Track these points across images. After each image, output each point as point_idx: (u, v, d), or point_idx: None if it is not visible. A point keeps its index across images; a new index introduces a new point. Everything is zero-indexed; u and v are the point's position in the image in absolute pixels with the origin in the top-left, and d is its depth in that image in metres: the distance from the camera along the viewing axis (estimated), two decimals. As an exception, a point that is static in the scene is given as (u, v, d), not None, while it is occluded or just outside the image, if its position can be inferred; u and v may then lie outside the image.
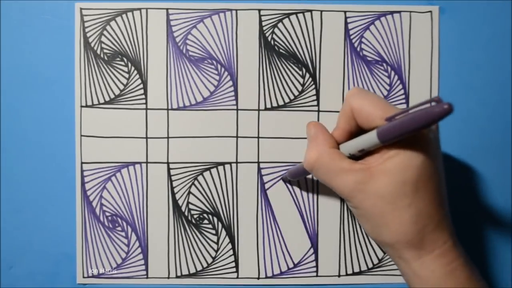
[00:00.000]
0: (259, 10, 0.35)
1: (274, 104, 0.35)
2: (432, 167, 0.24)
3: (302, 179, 0.35)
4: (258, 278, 0.35)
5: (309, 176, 0.35)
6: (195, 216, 0.35)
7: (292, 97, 0.35)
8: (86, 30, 0.35)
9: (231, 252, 0.35)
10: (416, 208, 0.24)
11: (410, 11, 0.35)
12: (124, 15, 0.35)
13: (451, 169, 0.35)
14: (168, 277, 0.35)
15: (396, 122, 0.23)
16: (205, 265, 0.35)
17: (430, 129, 0.24)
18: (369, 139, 0.24)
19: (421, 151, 0.24)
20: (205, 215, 0.35)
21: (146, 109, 0.35)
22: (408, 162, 0.23)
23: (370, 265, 0.35)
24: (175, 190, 0.35)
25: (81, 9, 0.35)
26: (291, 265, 0.35)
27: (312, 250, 0.35)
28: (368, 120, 0.25)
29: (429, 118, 0.21)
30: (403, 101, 0.35)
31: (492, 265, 0.36)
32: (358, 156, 0.26)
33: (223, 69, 0.35)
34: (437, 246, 0.24)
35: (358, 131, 0.27)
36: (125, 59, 0.35)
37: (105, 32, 0.35)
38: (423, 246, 0.24)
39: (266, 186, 0.35)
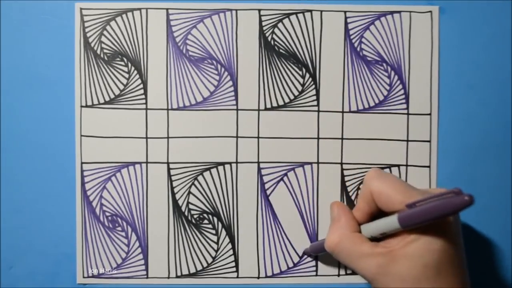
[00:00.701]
0: (259, 10, 0.35)
1: (274, 104, 0.35)
2: (453, 250, 0.25)
3: (301, 178, 0.35)
4: (258, 277, 0.35)
5: (309, 177, 0.35)
6: (195, 216, 0.35)
7: (292, 97, 0.35)
8: (86, 30, 0.35)
9: (231, 252, 0.35)
10: None
11: (410, 11, 0.35)
12: (124, 15, 0.35)
13: (451, 169, 0.35)
14: (168, 277, 0.35)
15: (416, 210, 0.24)
16: (205, 265, 0.35)
17: None
18: (390, 223, 0.25)
19: (441, 235, 0.24)
20: (205, 215, 0.35)
21: (146, 109, 0.35)
22: (429, 246, 0.24)
23: (370, 265, 0.35)
24: (175, 190, 0.35)
25: (81, 9, 0.35)
26: (291, 265, 0.35)
27: (312, 250, 0.35)
28: (388, 204, 0.26)
29: (449, 209, 0.22)
30: (403, 101, 0.35)
31: (492, 265, 0.36)
32: (380, 238, 0.27)
33: (223, 69, 0.35)
34: None
35: (379, 211, 0.28)
36: (125, 59, 0.35)
37: (105, 32, 0.35)
38: None
39: (266, 186, 0.35)
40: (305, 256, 0.35)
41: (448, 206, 0.22)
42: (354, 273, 0.35)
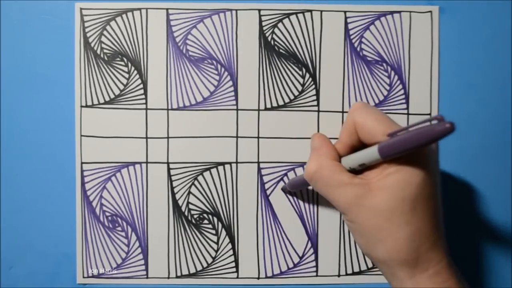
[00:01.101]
0: (259, 10, 0.35)
1: (274, 104, 0.35)
2: (431, 185, 0.24)
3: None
4: (258, 278, 0.35)
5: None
6: (195, 216, 0.35)
7: (292, 97, 0.35)
8: (86, 30, 0.35)
9: (231, 252, 0.35)
10: (413, 226, 0.24)
11: (410, 11, 0.35)
12: (124, 15, 0.35)
13: (451, 169, 0.35)
14: (168, 277, 0.35)
15: (397, 138, 0.23)
16: (205, 265, 0.35)
17: (430, 148, 0.24)
18: (370, 154, 0.25)
19: (421, 169, 0.24)
20: (205, 215, 0.35)
21: (146, 109, 0.35)
22: (408, 179, 0.24)
23: (370, 265, 0.35)
24: (175, 190, 0.35)
25: (81, 9, 0.35)
26: (291, 265, 0.35)
27: (312, 250, 0.35)
28: (370, 135, 0.25)
29: (430, 136, 0.21)
30: (403, 101, 0.35)
31: (492, 265, 0.36)
32: (359, 170, 0.26)
33: (223, 69, 0.35)
34: (432, 265, 0.24)
35: (360, 145, 0.27)
36: (125, 59, 0.35)
37: (105, 32, 0.35)
38: (417, 265, 0.24)
39: (266, 186, 0.35)
40: (306, 256, 0.35)
41: (430, 133, 0.21)
42: (354, 273, 0.35)
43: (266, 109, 0.35)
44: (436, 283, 0.24)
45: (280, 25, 0.35)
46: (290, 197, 0.35)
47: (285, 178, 0.35)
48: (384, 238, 0.24)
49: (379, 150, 0.24)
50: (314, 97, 0.35)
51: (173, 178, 0.35)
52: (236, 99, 0.35)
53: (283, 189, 0.35)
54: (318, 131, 0.35)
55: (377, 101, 0.35)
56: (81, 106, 0.35)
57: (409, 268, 0.24)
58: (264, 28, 0.35)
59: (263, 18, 0.35)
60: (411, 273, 0.24)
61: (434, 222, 0.24)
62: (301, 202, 0.35)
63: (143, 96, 0.35)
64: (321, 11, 0.35)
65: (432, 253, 0.24)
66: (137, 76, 0.35)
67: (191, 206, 0.35)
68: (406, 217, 0.24)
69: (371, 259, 0.26)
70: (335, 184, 0.25)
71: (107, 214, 0.35)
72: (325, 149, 0.27)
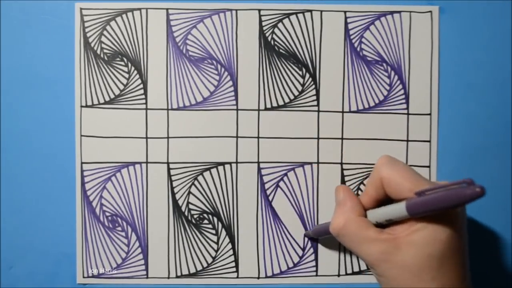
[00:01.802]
0: (259, 10, 0.35)
1: (274, 104, 0.35)
2: (458, 242, 0.24)
3: (301, 178, 0.35)
4: (258, 277, 0.35)
5: (309, 177, 0.35)
6: (195, 216, 0.35)
7: (292, 97, 0.35)
8: (86, 30, 0.35)
9: (231, 252, 0.35)
10: (440, 282, 0.24)
11: (410, 11, 0.35)
12: (124, 15, 0.35)
13: (451, 169, 0.35)
14: (168, 277, 0.35)
15: (425, 198, 0.23)
16: (205, 265, 0.35)
17: None
18: (398, 210, 0.25)
19: (448, 226, 0.24)
20: (205, 215, 0.35)
21: (146, 109, 0.35)
22: (435, 236, 0.24)
23: (370, 265, 0.35)
24: (175, 190, 0.35)
25: (81, 9, 0.35)
26: (291, 265, 0.35)
27: (312, 250, 0.35)
28: (397, 191, 0.26)
29: (460, 200, 0.22)
30: (403, 101, 0.35)
31: (492, 264, 0.36)
32: (385, 224, 0.27)
33: (223, 69, 0.35)
34: None
35: (386, 199, 0.27)
36: (125, 59, 0.35)
37: (105, 32, 0.35)
38: None
39: (266, 186, 0.35)
40: (305, 256, 0.35)
41: (459, 196, 0.22)
42: (354, 273, 0.35)
43: (266, 109, 0.35)
44: None
45: (280, 25, 0.35)
46: (290, 197, 0.35)
47: (281, 182, 0.35)
48: None
49: (407, 208, 0.24)
50: (314, 97, 0.35)
51: (173, 178, 0.35)
52: (236, 99, 0.35)
53: (305, 235, 0.35)
54: (318, 131, 0.35)
55: (377, 101, 0.35)
56: (81, 106, 0.35)
57: None
58: (264, 28, 0.35)
59: (263, 18, 0.35)
60: None
61: (460, 278, 0.25)
62: (301, 202, 0.35)
63: (143, 96, 0.35)
64: (321, 11, 0.35)
65: None
66: (137, 76, 0.35)
67: (191, 206, 0.35)
68: (433, 273, 0.24)
69: None
70: (362, 240, 0.26)
71: (107, 214, 0.35)
72: (350, 203, 0.28)
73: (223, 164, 0.35)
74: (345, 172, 0.35)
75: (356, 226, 0.26)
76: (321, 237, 0.34)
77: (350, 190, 0.29)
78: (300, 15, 0.35)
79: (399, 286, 0.25)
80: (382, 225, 0.27)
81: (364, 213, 0.28)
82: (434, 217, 0.24)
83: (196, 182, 0.35)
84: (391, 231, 0.26)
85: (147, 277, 0.35)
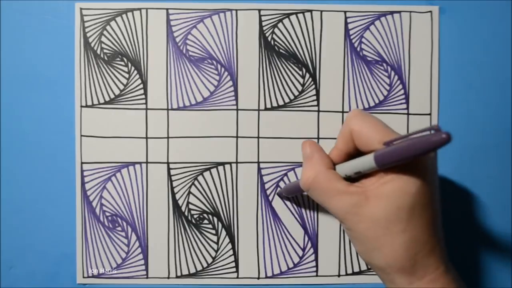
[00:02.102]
0: (259, 10, 0.35)
1: (274, 104, 0.35)
2: (428, 194, 0.24)
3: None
4: (258, 278, 0.35)
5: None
6: (195, 216, 0.35)
7: (292, 97, 0.35)
8: (86, 30, 0.35)
9: (231, 252, 0.35)
10: (409, 234, 0.24)
11: (410, 11, 0.35)
12: (124, 15, 0.35)
13: (451, 169, 0.35)
14: (168, 277, 0.35)
15: (393, 148, 0.23)
16: (205, 265, 0.35)
17: (429, 156, 0.24)
18: (366, 162, 0.25)
19: (418, 178, 0.24)
20: (205, 215, 0.35)
21: (146, 109, 0.35)
22: (404, 188, 0.24)
23: (370, 265, 0.35)
24: (175, 190, 0.35)
25: (81, 9, 0.35)
26: (291, 265, 0.35)
27: (312, 250, 0.35)
28: (367, 143, 0.25)
29: (426, 146, 0.21)
30: (403, 101, 0.35)
31: (492, 264, 0.36)
32: (354, 177, 0.26)
33: (223, 69, 0.35)
34: (429, 272, 0.24)
35: (356, 153, 0.27)
36: (125, 59, 0.35)
37: (105, 32, 0.35)
38: (415, 272, 0.24)
39: (266, 186, 0.35)
40: (306, 257, 0.35)
41: (425, 143, 0.21)
42: (354, 273, 0.35)
43: (266, 109, 0.35)
44: None
45: (280, 25, 0.35)
46: (290, 197, 0.35)
47: (281, 183, 0.35)
48: (382, 246, 0.24)
49: (375, 159, 0.24)
50: (314, 97, 0.35)
51: (173, 178, 0.35)
52: (236, 99, 0.35)
53: (278, 194, 0.35)
54: (318, 131, 0.35)
55: (377, 101, 0.35)
56: (81, 106, 0.35)
57: (406, 275, 0.24)
58: (264, 28, 0.35)
59: (263, 18, 0.35)
60: (409, 280, 0.24)
61: (431, 230, 0.24)
62: (301, 202, 0.35)
63: (143, 96, 0.35)
64: (321, 11, 0.35)
65: (429, 260, 0.24)
66: (137, 76, 0.35)
67: (191, 206, 0.35)
68: (403, 225, 0.24)
69: (370, 266, 0.26)
70: (331, 193, 0.25)
71: (107, 214, 0.35)
72: (318, 156, 0.27)
73: (223, 164, 0.35)
74: (345, 172, 0.35)
75: (325, 179, 0.26)
76: (292, 195, 0.34)
77: (317, 144, 0.28)
78: (300, 15, 0.35)
79: (369, 239, 0.24)
80: (352, 180, 0.26)
81: (333, 165, 0.27)
82: (403, 169, 0.24)
83: (196, 182, 0.35)
84: (361, 184, 0.25)
85: (147, 277, 0.35)
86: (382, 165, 0.24)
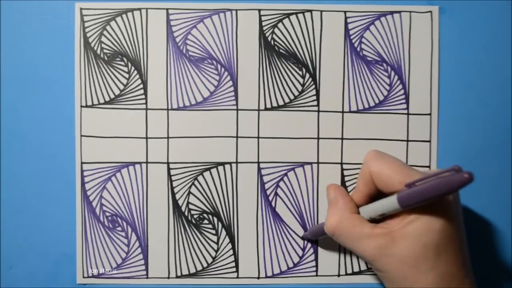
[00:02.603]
0: (259, 10, 0.35)
1: (274, 104, 0.35)
2: (453, 229, 0.25)
3: (301, 178, 0.35)
4: (258, 278, 0.35)
5: (309, 177, 0.35)
6: (195, 216, 0.35)
7: (292, 97, 0.35)
8: (86, 30, 0.35)
9: (231, 252, 0.35)
10: (438, 271, 0.24)
11: (410, 11, 0.35)
12: (124, 15, 0.35)
13: (451, 169, 0.35)
14: (168, 277, 0.35)
15: (416, 189, 0.23)
16: (205, 265, 0.35)
17: None
18: (390, 204, 0.25)
19: (441, 215, 0.24)
20: (205, 215, 0.35)
21: (146, 109, 0.35)
22: (428, 226, 0.24)
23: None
24: (175, 190, 0.35)
25: (81, 9, 0.35)
26: (291, 265, 0.35)
27: (312, 250, 0.35)
28: (387, 184, 0.26)
29: (449, 187, 0.22)
30: (403, 101, 0.35)
31: (494, 264, 0.36)
32: (379, 219, 0.26)
33: (223, 69, 0.35)
34: None
35: (377, 193, 0.27)
36: (125, 59, 0.35)
37: (105, 32, 0.35)
38: None
39: (266, 186, 0.35)
40: (305, 256, 0.35)
41: (447, 184, 0.22)
42: (354, 273, 0.35)
43: (266, 109, 0.35)
44: None
45: (280, 25, 0.35)
46: (290, 197, 0.35)
47: (281, 183, 0.35)
48: (413, 284, 0.25)
49: (398, 201, 0.24)
50: (314, 97, 0.35)
51: (173, 178, 0.35)
52: (236, 99, 0.35)
53: (303, 237, 0.35)
54: (318, 131, 0.35)
55: (377, 101, 0.35)
56: (81, 106, 0.35)
57: None
58: (264, 28, 0.35)
59: (263, 18, 0.35)
60: None
61: (460, 263, 0.25)
62: (301, 202, 0.35)
63: (143, 96, 0.35)
64: (321, 11, 0.35)
65: None
66: (137, 76, 0.35)
67: (191, 206, 0.35)
68: (430, 262, 0.24)
69: None
70: (357, 237, 0.26)
71: (107, 214, 0.35)
72: (342, 201, 0.28)
73: (223, 164, 0.35)
74: (345, 172, 0.35)
75: (350, 224, 0.26)
76: (318, 238, 0.34)
77: (342, 188, 0.29)
78: (300, 15, 0.35)
79: (399, 279, 0.25)
80: (376, 221, 0.27)
81: (357, 210, 0.28)
82: (426, 207, 0.24)
83: (196, 182, 0.35)
84: (385, 225, 0.26)
85: (147, 277, 0.35)
86: (406, 206, 0.24)
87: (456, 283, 0.25)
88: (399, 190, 0.25)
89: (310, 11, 0.35)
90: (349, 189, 0.35)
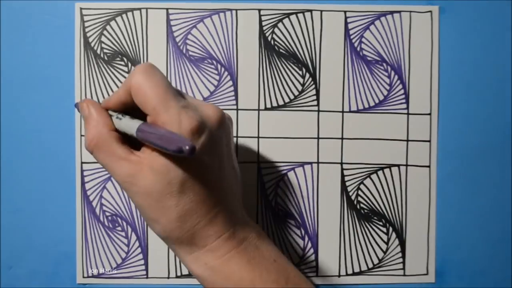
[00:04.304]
0: (259, 10, 0.35)
1: (274, 104, 0.35)
2: (200, 169, 0.24)
3: (301, 178, 0.35)
4: (258, 278, 0.35)
5: (309, 177, 0.35)
6: (195, 216, 0.35)
7: (292, 97, 0.35)
8: (86, 30, 0.35)
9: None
10: (183, 208, 0.24)
11: (410, 11, 0.35)
12: (124, 15, 0.35)
13: (451, 169, 0.35)
14: (168, 277, 0.35)
15: (145, 135, 0.23)
16: (205, 265, 0.35)
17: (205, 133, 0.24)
18: (132, 128, 0.24)
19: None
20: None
21: (146, 109, 0.35)
22: (173, 164, 0.23)
23: (370, 265, 0.35)
24: (175, 190, 0.35)
25: (81, 9, 0.35)
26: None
27: (312, 250, 0.35)
28: (142, 104, 0.24)
29: (165, 147, 0.22)
30: (403, 101, 0.35)
31: (492, 265, 0.36)
32: (135, 138, 0.25)
33: (223, 69, 0.35)
34: (210, 241, 0.25)
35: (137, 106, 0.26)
36: (125, 59, 0.35)
37: (105, 32, 0.35)
38: (194, 242, 0.25)
39: (266, 186, 0.35)
40: (306, 257, 0.35)
41: (166, 145, 0.22)
42: (354, 273, 0.35)
43: (266, 109, 0.35)
44: (216, 256, 0.25)
45: (280, 25, 0.35)
46: (290, 197, 0.35)
47: (281, 182, 0.35)
48: (158, 218, 0.24)
49: (137, 132, 0.24)
50: (314, 97, 0.35)
51: (173, 178, 0.35)
52: (236, 99, 0.35)
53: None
54: (318, 131, 0.35)
55: (377, 101, 0.35)
56: (81, 106, 0.35)
57: (186, 245, 0.25)
58: (264, 28, 0.35)
59: (263, 18, 0.35)
60: (189, 250, 0.25)
61: (208, 202, 0.25)
62: (301, 202, 0.35)
63: (143, 96, 0.35)
64: (321, 11, 0.35)
65: (209, 230, 0.25)
66: (137, 76, 0.35)
67: (191, 206, 0.35)
68: (175, 199, 0.24)
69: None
70: (113, 158, 0.25)
71: (107, 214, 0.35)
72: (98, 117, 0.26)
73: (223, 164, 0.35)
74: (345, 172, 0.35)
75: (108, 142, 0.25)
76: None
77: (96, 103, 0.27)
78: (300, 15, 0.35)
79: (146, 211, 0.25)
80: (135, 144, 0.26)
81: (113, 125, 0.26)
82: None
83: (196, 182, 0.35)
84: (140, 153, 0.25)
85: (147, 277, 0.35)
86: (142, 140, 0.24)
87: (205, 221, 0.25)
88: (151, 115, 0.24)
89: (310, 11, 0.35)
90: (349, 189, 0.35)
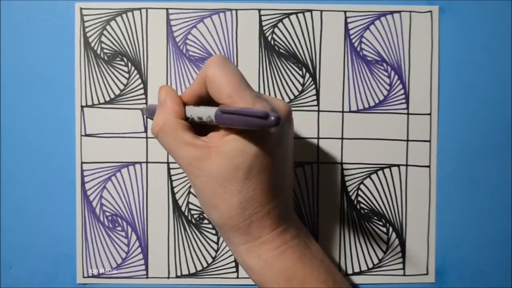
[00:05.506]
0: (259, 10, 0.35)
1: (274, 104, 0.35)
2: (268, 159, 0.24)
3: (301, 178, 0.35)
4: (258, 278, 0.35)
5: (309, 177, 0.35)
6: (195, 216, 0.35)
7: (292, 97, 0.35)
8: (86, 30, 0.35)
9: (231, 252, 0.35)
10: (245, 195, 0.24)
11: (410, 11, 0.35)
12: (124, 15, 0.35)
13: (451, 169, 0.35)
14: (168, 277, 0.35)
15: (229, 114, 0.23)
16: (205, 265, 0.35)
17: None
18: (209, 113, 0.25)
19: (258, 142, 0.24)
20: (205, 215, 0.35)
21: (146, 109, 0.35)
22: (243, 149, 0.24)
23: (370, 265, 0.35)
24: (175, 190, 0.35)
25: (81, 9, 0.35)
26: (291, 265, 0.35)
27: (312, 250, 0.35)
28: (217, 94, 0.25)
29: (252, 126, 0.22)
30: (403, 101, 0.35)
31: (492, 265, 0.36)
32: (202, 124, 0.26)
33: (223, 69, 0.35)
34: (265, 233, 0.25)
35: (211, 99, 0.26)
36: (125, 59, 0.35)
37: (105, 32, 0.35)
38: (250, 232, 0.25)
39: (266, 186, 0.35)
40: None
41: (250, 122, 0.22)
42: (354, 273, 0.35)
43: (266, 109, 0.35)
44: (269, 249, 0.25)
45: (280, 25, 0.35)
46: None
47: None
48: (218, 204, 0.25)
49: (215, 116, 0.24)
50: (314, 97, 0.35)
51: (173, 178, 0.35)
52: (236, 99, 0.35)
53: (141, 111, 0.34)
54: (318, 131, 0.35)
55: (377, 101, 0.35)
56: (81, 106, 0.35)
57: (241, 234, 0.25)
58: (264, 28, 0.35)
59: (263, 18, 0.35)
60: (244, 240, 0.25)
61: (269, 193, 0.25)
62: (301, 202, 0.35)
63: (143, 96, 0.35)
64: (321, 11, 0.35)
65: (266, 221, 0.25)
66: (137, 76, 0.35)
67: (191, 206, 0.35)
68: (239, 185, 0.24)
69: (210, 221, 0.26)
70: (178, 143, 0.25)
71: (107, 214, 0.35)
72: (170, 104, 0.27)
73: (223, 164, 0.35)
74: (345, 172, 0.35)
75: (173, 128, 0.26)
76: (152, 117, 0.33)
77: (173, 90, 0.28)
78: (300, 15, 0.35)
79: (207, 195, 0.25)
80: (201, 127, 0.26)
81: (184, 114, 0.27)
82: (247, 130, 0.24)
83: (196, 182, 0.35)
84: (207, 138, 0.26)
85: (147, 277, 0.35)
86: (220, 124, 0.24)
87: (263, 211, 0.25)
88: (225, 104, 0.24)
89: (310, 11, 0.35)
90: (349, 189, 0.35)
